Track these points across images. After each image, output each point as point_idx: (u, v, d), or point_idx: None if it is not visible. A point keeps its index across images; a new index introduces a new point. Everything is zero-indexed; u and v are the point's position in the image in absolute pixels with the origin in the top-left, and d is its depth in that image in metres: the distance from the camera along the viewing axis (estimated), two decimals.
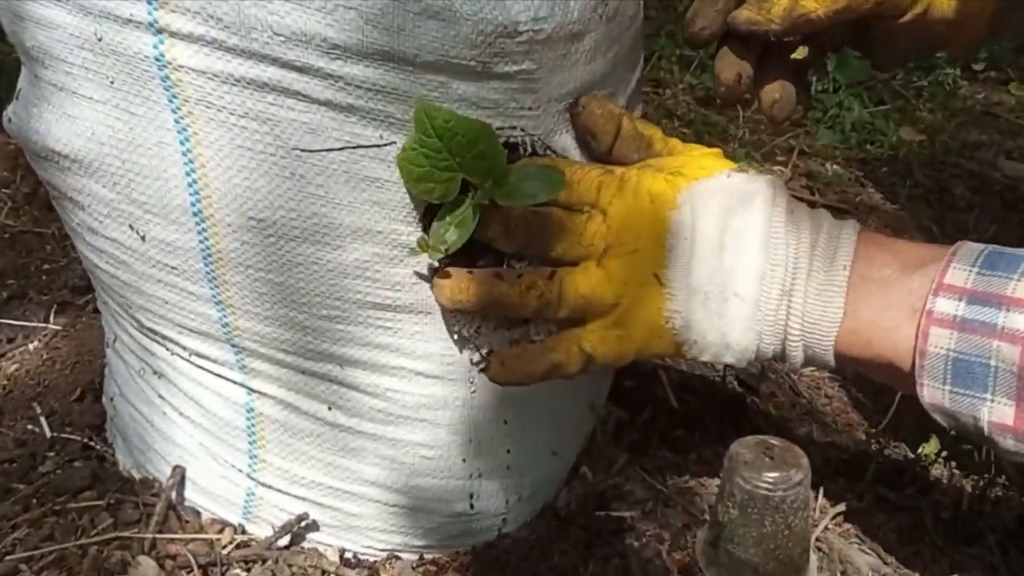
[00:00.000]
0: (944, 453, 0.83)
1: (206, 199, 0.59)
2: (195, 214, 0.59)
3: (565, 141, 0.63)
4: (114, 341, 0.77)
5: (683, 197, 0.61)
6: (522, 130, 0.60)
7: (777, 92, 0.74)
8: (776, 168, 1.40)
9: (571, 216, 0.63)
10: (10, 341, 0.94)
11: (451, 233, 0.60)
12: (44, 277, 1.06)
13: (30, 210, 1.17)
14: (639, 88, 0.75)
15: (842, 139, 1.48)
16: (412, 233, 0.60)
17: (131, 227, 0.62)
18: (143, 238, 0.62)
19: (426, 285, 0.63)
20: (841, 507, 0.82)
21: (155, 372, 0.72)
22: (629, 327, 0.62)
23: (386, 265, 0.61)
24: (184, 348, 0.68)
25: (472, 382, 0.68)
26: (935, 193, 1.42)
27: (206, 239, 0.60)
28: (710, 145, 0.68)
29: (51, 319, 0.97)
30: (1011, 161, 1.51)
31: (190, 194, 0.59)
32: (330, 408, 0.67)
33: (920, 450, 0.85)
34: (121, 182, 0.60)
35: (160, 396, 0.73)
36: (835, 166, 1.42)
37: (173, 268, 0.62)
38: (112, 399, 0.80)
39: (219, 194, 0.58)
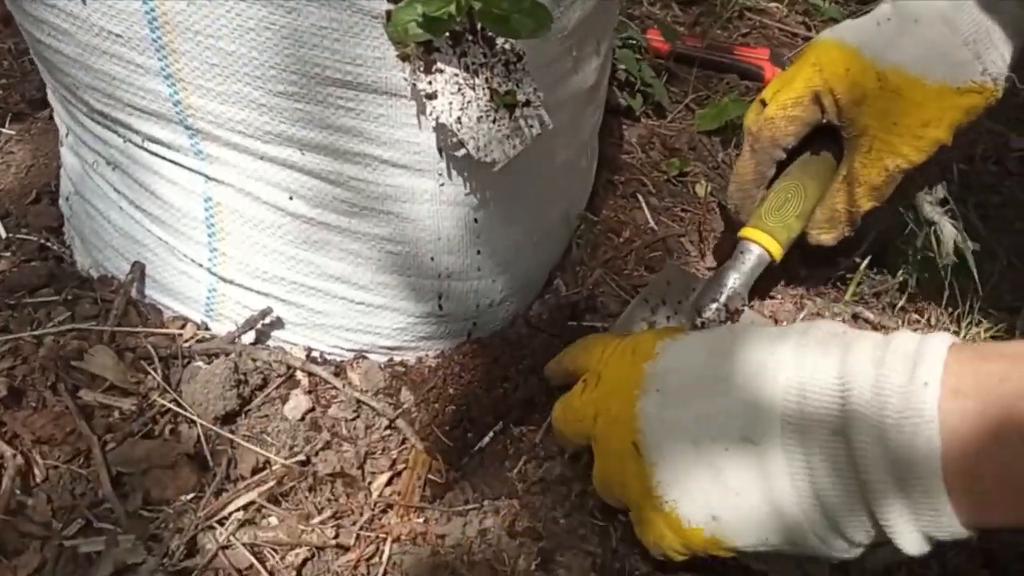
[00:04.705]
0: None
1: None
2: None
3: None
4: (67, 135, 0.73)
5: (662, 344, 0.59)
6: None
7: None
8: (773, 3, 1.33)
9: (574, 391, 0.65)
10: None
11: (415, 30, 0.56)
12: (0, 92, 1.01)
13: None
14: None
15: None
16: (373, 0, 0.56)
17: None
18: (84, 1, 0.57)
19: (389, 62, 0.59)
20: None
21: (109, 163, 0.69)
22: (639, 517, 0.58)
23: (345, 35, 0.57)
24: (137, 132, 0.64)
25: (441, 174, 0.65)
26: None
27: (150, 0, 0.56)
28: None
29: (6, 125, 0.93)
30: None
31: None
32: (291, 197, 0.64)
33: None
34: None
35: (116, 190, 0.70)
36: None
37: (118, 36, 0.58)
38: (68, 199, 0.77)
39: None
